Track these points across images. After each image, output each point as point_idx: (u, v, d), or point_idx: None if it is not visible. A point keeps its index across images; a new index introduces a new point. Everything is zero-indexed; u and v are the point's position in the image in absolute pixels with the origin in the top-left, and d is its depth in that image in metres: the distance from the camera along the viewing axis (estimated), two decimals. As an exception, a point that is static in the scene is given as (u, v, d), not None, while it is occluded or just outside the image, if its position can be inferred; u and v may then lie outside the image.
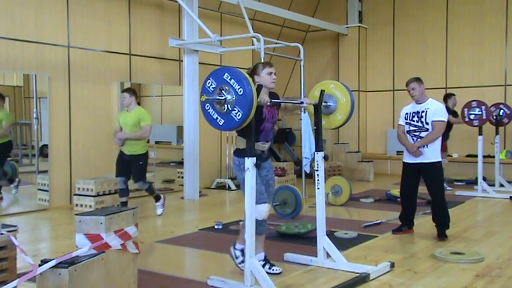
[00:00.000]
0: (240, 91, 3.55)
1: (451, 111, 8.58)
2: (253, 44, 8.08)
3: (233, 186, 9.52)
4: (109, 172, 8.19)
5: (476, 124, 8.49)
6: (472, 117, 8.48)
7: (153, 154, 9.93)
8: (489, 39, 10.99)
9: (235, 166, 4.14)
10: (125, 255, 3.37)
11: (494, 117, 8.96)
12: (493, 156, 9.20)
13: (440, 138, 5.48)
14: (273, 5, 10.45)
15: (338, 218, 6.87)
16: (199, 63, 8.69)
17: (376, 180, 10.77)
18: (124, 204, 6.71)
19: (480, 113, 8.40)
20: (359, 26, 12.41)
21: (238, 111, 3.58)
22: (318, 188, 4.56)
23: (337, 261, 4.45)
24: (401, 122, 5.67)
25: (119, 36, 8.44)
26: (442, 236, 5.50)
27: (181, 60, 8.91)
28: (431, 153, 5.45)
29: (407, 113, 5.63)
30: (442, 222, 5.55)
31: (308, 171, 7.88)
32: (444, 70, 11.51)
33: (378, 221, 6.33)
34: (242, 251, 4.17)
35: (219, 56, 9.65)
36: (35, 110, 7.72)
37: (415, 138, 5.50)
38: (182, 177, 8.78)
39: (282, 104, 4.39)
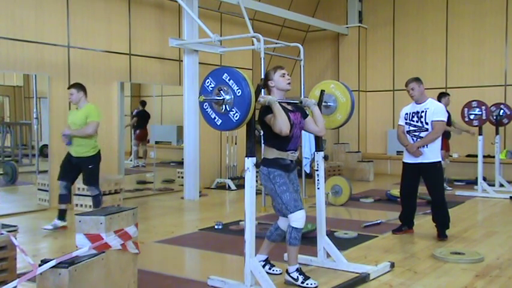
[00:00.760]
0: (239, 92, 3.55)
1: None
2: (253, 44, 8.07)
3: (233, 186, 9.52)
4: (109, 172, 8.20)
5: (476, 124, 8.49)
6: (472, 117, 8.48)
7: (153, 154, 9.96)
8: (489, 39, 10.99)
9: (263, 176, 3.98)
10: (125, 255, 3.37)
11: (494, 117, 8.96)
12: (493, 156, 9.21)
13: (440, 138, 5.49)
14: (273, 5, 10.45)
15: (338, 218, 6.87)
16: (199, 63, 8.69)
17: (376, 180, 10.77)
18: (62, 212, 6.06)
19: (480, 113, 8.40)
20: (359, 26, 12.41)
21: (236, 112, 3.58)
22: (318, 188, 4.56)
23: (337, 261, 4.45)
24: (401, 122, 5.67)
25: (119, 36, 8.43)
26: (442, 236, 5.50)
27: (181, 60, 8.91)
28: (431, 153, 5.45)
29: (407, 113, 5.63)
30: (442, 222, 5.55)
31: (308, 171, 7.88)
32: (444, 70, 11.51)
33: (378, 221, 6.33)
34: (297, 270, 4.01)
35: (219, 56, 9.65)
36: (35, 110, 7.73)
37: (414, 138, 5.50)
38: (182, 177, 8.77)
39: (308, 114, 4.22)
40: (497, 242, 5.42)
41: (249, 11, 9.24)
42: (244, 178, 3.84)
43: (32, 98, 7.87)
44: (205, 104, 3.72)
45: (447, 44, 11.48)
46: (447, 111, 8.84)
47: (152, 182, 9.44)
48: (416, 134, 5.50)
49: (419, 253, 4.99)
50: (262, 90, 4.02)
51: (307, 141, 7.72)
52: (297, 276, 4.00)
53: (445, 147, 8.29)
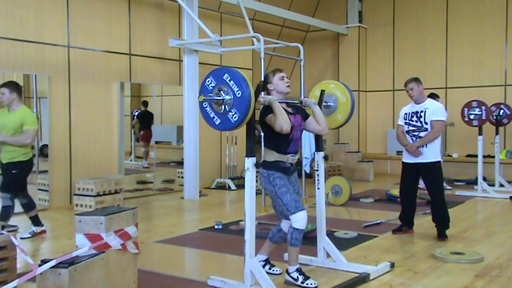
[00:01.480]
0: (239, 93, 3.55)
1: None
2: (253, 44, 8.06)
3: (233, 186, 9.52)
4: (109, 172, 8.21)
5: (476, 124, 8.49)
6: (472, 117, 8.48)
7: (153, 154, 9.96)
8: (489, 39, 10.99)
9: (263, 179, 3.98)
10: (125, 255, 3.37)
11: (494, 117, 8.96)
12: (493, 156, 9.20)
13: (439, 138, 5.49)
14: (273, 5, 10.45)
15: (338, 218, 6.87)
16: (199, 63, 8.69)
17: (376, 180, 10.77)
18: (35, 218, 5.73)
19: (480, 113, 8.40)
20: (359, 26, 12.41)
21: (235, 113, 3.58)
22: (318, 188, 4.56)
23: (337, 261, 4.45)
24: (401, 122, 5.68)
25: (119, 36, 8.43)
26: (442, 236, 5.50)
27: (181, 60, 8.91)
28: (431, 153, 5.45)
29: (406, 113, 5.64)
30: (442, 223, 5.55)
31: (308, 171, 7.88)
32: (444, 70, 11.51)
33: (378, 221, 6.33)
34: (297, 270, 4.02)
35: (219, 56, 9.65)
36: (35, 110, 7.72)
37: (414, 138, 5.51)
38: (182, 177, 8.77)
39: (309, 116, 4.23)
40: (497, 242, 5.42)
41: (249, 11, 9.24)
42: (244, 178, 3.84)
43: (32, 98, 7.86)
44: (205, 103, 3.72)
45: (447, 44, 11.48)
46: None
47: (152, 182, 9.44)
48: (416, 133, 5.51)
49: (419, 253, 4.99)
50: (262, 92, 4.01)
51: (307, 141, 7.72)
52: (297, 276, 4.00)
53: None
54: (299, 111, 4.16)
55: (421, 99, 5.55)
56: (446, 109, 5.78)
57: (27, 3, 7.25)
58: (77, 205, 7.34)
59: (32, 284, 3.66)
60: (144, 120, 10.01)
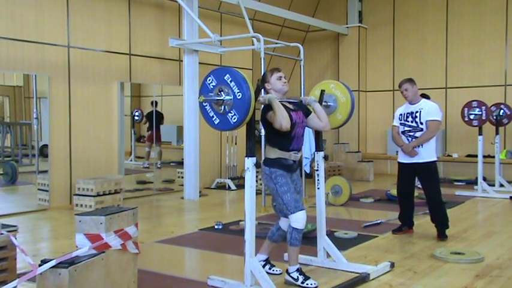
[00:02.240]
0: (239, 95, 3.54)
1: None
2: (253, 44, 8.07)
3: (233, 186, 9.52)
4: (109, 172, 8.21)
5: (476, 124, 8.49)
6: (472, 117, 8.48)
7: (154, 154, 9.97)
8: (489, 39, 10.99)
9: (265, 176, 3.99)
10: (125, 255, 3.37)
11: (494, 117, 8.96)
12: (493, 156, 9.20)
13: (435, 138, 5.52)
14: (273, 5, 10.45)
15: (338, 218, 6.87)
16: (199, 63, 8.69)
17: (376, 180, 10.77)
18: None
19: (480, 113, 8.40)
20: (359, 26, 12.41)
21: (235, 114, 3.58)
22: (318, 188, 4.56)
23: (337, 261, 4.45)
24: (396, 122, 5.70)
25: (119, 36, 8.43)
26: (442, 236, 5.50)
27: (181, 60, 8.91)
28: (426, 153, 5.47)
29: (401, 114, 5.66)
30: (441, 223, 5.55)
31: (308, 171, 7.88)
32: (444, 70, 11.51)
33: (378, 221, 6.34)
34: (297, 270, 4.03)
35: (219, 56, 9.65)
36: (35, 110, 7.73)
37: (410, 139, 5.53)
38: (182, 177, 8.77)
39: (311, 112, 4.23)
40: (497, 242, 5.42)
41: (249, 11, 9.24)
42: (244, 178, 3.84)
43: (32, 98, 7.86)
44: (205, 102, 3.72)
45: (447, 44, 11.48)
46: None
47: (152, 182, 9.44)
48: (412, 134, 5.53)
49: (419, 253, 4.99)
50: (263, 90, 4.02)
51: (307, 141, 7.71)
52: (297, 276, 4.01)
53: None
54: (301, 107, 4.17)
55: (415, 100, 5.58)
56: (440, 109, 5.80)
57: (27, 3, 7.25)
58: (77, 205, 7.34)
59: (32, 284, 3.66)
60: (152, 120, 9.94)
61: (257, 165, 3.79)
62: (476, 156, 8.87)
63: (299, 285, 3.98)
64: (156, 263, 4.83)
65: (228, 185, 9.61)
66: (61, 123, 7.67)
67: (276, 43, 9.00)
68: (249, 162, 3.76)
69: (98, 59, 8.12)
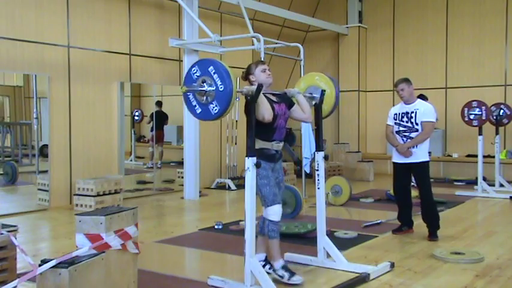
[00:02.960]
0: (221, 88, 3.60)
1: None
2: (253, 44, 8.08)
3: (233, 186, 9.52)
4: (109, 172, 8.21)
5: (476, 124, 8.49)
6: (472, 117, 8.48)
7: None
8: (489, 39, 10.99)
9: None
10: (125, 255, 3.37)
11: (494, 117, 8.96)
12: (493, 156, 9.20)
13: (429, 139, 5.53)
14: (273, 5, 10.45)
15: (338, 218, 6.87)
16: (199, 63, 8.68)
17: (376, 180, 10.77)
18: None
19: (480, 113, 8.40)
20: (359, 26, 12.41)
21: (216, 106, 3.64)
22: (318, 188, 4.56)
23: (337, 261, 4.45)
24: (390, 122, 5.71)
25: (119, 36, 8.43)
26: (433, 236, 5.50)
27: (181, 60, 8.91)
28: (421, 153, 5.51)
29: (396, 114, 5.67)
30: (431, 223, 5.55)
31: (308, 171, 7.88)
32: (444, 70, 11.50)
33: (378, 221, 6.33)
34: (283, 268, 4.08)
35: (219, 56, 9.64)
36: (35, 110, 7.73)
37: (405, 139, 5.55)
38: (182, 177, 8.77)
39: (294, 104, 4.30)
40: (497, 242, 5.42)
41: (249, 11, 9.23)
42: (244, 178, 3.84)
43: (32, 98, 7.87)
44: (188, 92, 3.78)
45: (447, 44, 11.47)
46: None
47: (152, 182, 9.44)
48: (407, 134, 5.54)
49: (419, 253, 4.99)
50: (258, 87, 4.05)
51: (307, 141, 7.72)
52: (283, 274, 4.06)
53: None
54: (284, 100, 4.25)
55: (411, 100, 5.60)
56: (435, 110, 5.82)
57: (27, 3, 7.25)
58: (77, 205, 7.34)
59: (32, 284, 3.66)
60: (157, 120, 9.95)
61: (257, 165, 3.80)
62: (476, 156, 8.87)
63: (285, 283, 4.03)
64: (156, 263, 4.83)
65: (228, 185, 9.61)
66: (61, 123, 7.67)
67: (276, 43, 9.01)
68: (249, 162, 3.76)
69: (98, 59, 8.12)
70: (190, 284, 4.16)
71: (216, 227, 6.15)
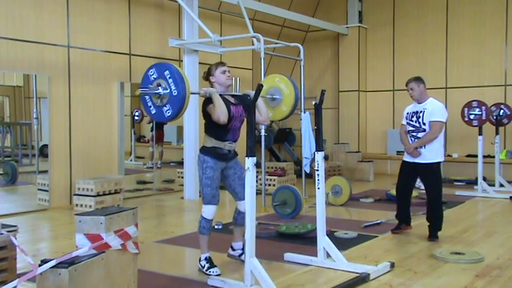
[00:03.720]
0: (175, 92, 3.69)
1: None
2: (253, 44, 8.08)
3: (233, 186, 9.50)
4: (109, 172, 8.21)
5: (476, 124, 8.49)
6: (472, 117, 8.48)
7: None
8: (489, 39, 10.99)
9: (198, 162, 4.30)
10: (125, 255, 3.37)
11: (494, 117, 8.96)
12: (493, 156, 9.20)
13: (439, 139, 5.46)
14: (273, 5, 10.45)
15: (338, 218, 6.87)
16: (199, 63, 8.69)
17: (376, 180, 10.77)
18: None
19: (480, 113, 8.40)
20: (359, 26, 12.41)
21: (169, 109, 3.74)
22: (318, 188, 4.56)
23: (337, 261, 4.45)
24: (403, 121, 5.68)
25: (119, 36, 8.44)
26: (433, 237, 5.49)
27: (181, 60, 8.91)
28: (429, 154, 5.43)
29: (408, 113, 5.64)
30: (434, 224, 5.53)
31: (308, 171, 7.88)
32: (444, 70, 11.51)
33: (378, 221, 6.33)
34: (206, 259, 4.34)
35: (219, 56, 9.64)
36: (35, 110, 7.73)
37: (413, 139, 5.51)
38: (182, 177, 8.77)
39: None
40: (497, 242, 5.42)
41: (249, 11, 9.23)
42: (244, 178, 3.84)
43: (32, 98, 7.87)
44: (146, 89, 3.85)
45: (447, 44, 11.47)
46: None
47: (152, 182, 9.44)
48: (414, 134, 5.51)
49: (419, 253, 4.99)
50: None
51: (307, 141, 7.71)
52: (204, 264, 4.31)
53: None
54: (243, 101, 4.37)
55: (422, 99, 5.54)
56: (446, 109, 5.76)
57: (27, 3, 7.25)
58: (77, 205, 7.34)
59: (32, 284, 3.66)
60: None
61: (257, 165, 3.80)
62: (476, 156, 8.87)
63: (204, 272, 4.26)
64: (156, 263, 4.83)
65: (228, 185, 9.58)
66: (61, 123, 7.67)
67: (276, 43, 9.00)
68: (249, 162, 3.76)
69: (98, 59, 8.12)
70: (190, 284, 4.16)
71: (216, 227, 6.15)
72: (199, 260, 4.38)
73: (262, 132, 7.36)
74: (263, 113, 4.34)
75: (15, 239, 3.69)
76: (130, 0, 8.61)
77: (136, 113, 10.31)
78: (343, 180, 7.85)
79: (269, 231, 5.78)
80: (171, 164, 10.49)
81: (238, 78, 9.21)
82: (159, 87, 3.75)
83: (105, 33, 8.22)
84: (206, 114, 4.22)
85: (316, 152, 4.61)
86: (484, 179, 8.59)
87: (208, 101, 4.16)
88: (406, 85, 5.61)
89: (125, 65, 8.55)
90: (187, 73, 8.44)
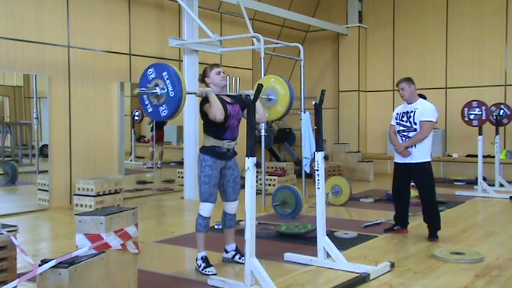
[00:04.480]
0: (172, 94, 3.74)
1: None
2: (253, 44, 8.08)
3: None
4: (109, 172, 8.21)
5: (476, 124, 8.49)
6: (472, 117, 8.47)
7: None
8: (489, 39, 10.99)
9: (198, 161, 4.37)
10: (125, 255, 3.37)
11: (494, 117, 8.96)
12: (493, 156, 9.20)
13: (429, 139, 5.49)
14: (273, 5, 10.45)
15: (338, 218, 6.87)
16: (199, 63, 8.69)
17: (376, 180, 10.77)
18: None
19: (480, 113, 8.40)
20: (359, 26, 12.41)
21: (165, 109, 3.80)
22: (318, 188, 4.56)
23: (337, 261, 4.45)
24: (393, 122, 5.73)
25: (119, 36, 8.44)
26: (432, 237, 5.49)
27: (181, 60, 8.91)
28: (420, 154, 5.46)
29: (398, 113, 5.68)
30: (432, 224, 5.54)
31: (308, 171, 7.88)
32: (444, 70, 11.50)
33: (378, 221, 6.33)
34: (202, 258, 4.38)
35: (219, 56, 9.64)
36: (35, 110, 7.73)
37: (403, 138, 5.54)
38: (182, 177, 8.78)
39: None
40: (497, 242, 5.42)
41: (249, 11, 9.23)
42: (244, 178, 3.85)
43: (32, 98, 7.87)
44: (143, 88, 3.88)
45: (447, 44, 11.47)
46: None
47: (152, 182, 9.44)
48: (405, 134, 5.54)
49: (419, 253, 4.99)
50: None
51: (307, 141, 7.72)
52: (200, 264, 4.35)
53: None
54: (238, 101, 4.45)
55: (412, 99, 5.59)
56: (437, 109, 5.80)
57: (27, 3, 7.25)
58: (77, 205, 7.34)
59: (32, 284, 3.66)
60: (157, 120, 9.96)
61: (257, 165, 3.81)
62: (476, 156, 8.87)
63: (200, 272, 4.30)
64: (156, 263, 4.83)
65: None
66: (61, 123, 7.67)
67: (276, 43, 9.00)
68: (249, 162, 3.76)
69: (98, 59, 8.12)
70: (190, 284, 4.16)
71: (216, 227, 6.14)
72: (196, 260, 4.42)
73: (262, 132, 7.35)
74: (260, 112, 4.41)
75: (15, 239, 3.69)
76: (131, 0, 8.61)
77: (136, 113, 10.30)
78: (343, 180, 7.85)
79: (269, 231, 5.78)
80: (171, 164, 10.49)
81: (238, 78, 9.22)
82: (157, 87, 3.80)
83: (105, 33, 8.22)
84: (203, 114, 4.31)
85: (316, 152, 4.61)
86: (484, 179, 8.59)
87: (205, 100, 4.26)
88: (397, 85, 5.65)
89: (125, 65, 8.55)
90: (187, 73, 8.47)
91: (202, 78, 4.48)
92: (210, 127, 4.30)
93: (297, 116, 9.39)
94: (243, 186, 3.88)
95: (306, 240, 5.37)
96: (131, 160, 10.31)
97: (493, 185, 8.88)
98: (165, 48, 8.87)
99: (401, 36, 12.08)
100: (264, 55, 7.46)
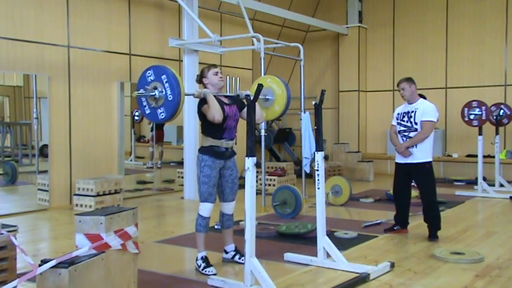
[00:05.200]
0: (170, 97, 3.77)
1: None
2: (253, 44, 8.08)
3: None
4: (109, 172, 8.21)
5: (476, 124, 8.48)
6: (472, 117, 8.47)
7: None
8: (489, 39, 10.99)
9: (197, 161, 4.38)
10: (125, 255, 3.37)
11: (494, 117, 8.96)
12: (493, 156, 9.20)
13: (430, 139, 5.49)
14: (273, 5, 10.45)
15: (338, 218, 6.87)
16: (199, 63, 8.69)
17: (376, 180, 10.77)
18: None
19: (480, 113, 8.40)
20: (359, 26, 12.41)
21: (163, 112, 3.83)
22: (318, 188, 4.56)
23: (337, 261, 4.45)
24: (394, 122, 5.73)
25: (119, 36, 8.44)
26: (432, 237, 5.49)
27: (181, 60, 8.91)
28: (421, 154, 5.46)
29: (398, 113, 5.68)
30: (432, 224, 5.53)
31: (308, 171, 7.88)
32: (444, 70, 11.51)
33: (378, 221, 6.33)
34: (202, 258, 4.38)
35: (219, 56, 9.64)
36: (35, 110, 7.73)
37: (404, 139, 5.54)
38: (182, 177, 8.77)
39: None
40: (497, 242, 5.42)
41: (249, 11, 9.23)
42: (244, 178, 3.85)
43: (32, 98, 7.86)
44: (142, 90, 3.90)
45: (447, 44, 11.47)
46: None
47: (152, 182, 9.44)
48: (406, 134, 5.54)
49: (419, 253, 4.99)
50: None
51: (307, 141, 7.72)
52: (200, 264, 4.35)
53: None
54: (236, 102, 4.47)
55: (413, 99, 5.58)
56: (437, 109, 5.80)
57: (27, 3, 7.25)
58: (77, 205, 7.34)
59: (32, 284, 3.66)
60: None
61: (257, 165, 3.81)
62: (476, 156, 8.87)
63: (200, 272, 4.30)
64: (156, 263, 4.83)
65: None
66: (61, 123, 7.67)
67: (276, 43, 9.00)
68: (249, 162, 3.76)
69: (98, 59, 8.12)
70: (190, 284, 4.16)
71: (216, 227, 6.14)
72: (196, 260, 4.42)
73: (262, 132, 7.35)
74: (257, 112, 4.38)
75: (15, 239, 3.69)
76: (130, 0, 8.61)
77: (136, 113, 10.30)
78: (343, 180, 7.85)
79: (269, 231, 5.78)
80: (171, 164, 10.49)
81: (238, 78, 9.22)
82: (155, 90, 3.81)
83: (105, 33, 8.22)
84: (201, 115, 4.32)
85: (316, 152, 4.61)
86: (484, 179, 8.59)
87: (203, 101, 4.28)
88: (398, 85, 5.65)
89: (125, 65, 8.55)
90: (187, 73, 8.47)
91: (200, 79, 4.50)
92: (208, 127, 4.32)
93: (297, 116, 9.39)
94: (242, 186, 3.87)
95: (306, 240, 5.36)
96: (131, 160, 10.31)
97: (493, 185, 8.87)
98: (165, 48, 8.87)
99: (401, 36, 12.09)
100: (264, 55, 7.46)
